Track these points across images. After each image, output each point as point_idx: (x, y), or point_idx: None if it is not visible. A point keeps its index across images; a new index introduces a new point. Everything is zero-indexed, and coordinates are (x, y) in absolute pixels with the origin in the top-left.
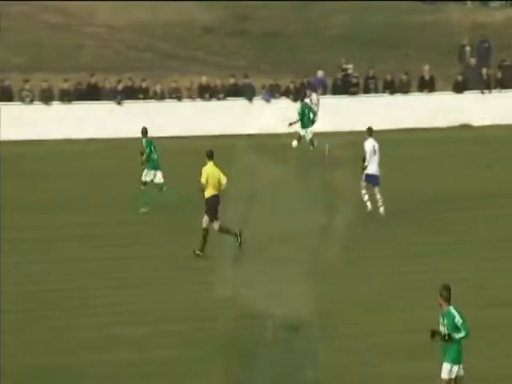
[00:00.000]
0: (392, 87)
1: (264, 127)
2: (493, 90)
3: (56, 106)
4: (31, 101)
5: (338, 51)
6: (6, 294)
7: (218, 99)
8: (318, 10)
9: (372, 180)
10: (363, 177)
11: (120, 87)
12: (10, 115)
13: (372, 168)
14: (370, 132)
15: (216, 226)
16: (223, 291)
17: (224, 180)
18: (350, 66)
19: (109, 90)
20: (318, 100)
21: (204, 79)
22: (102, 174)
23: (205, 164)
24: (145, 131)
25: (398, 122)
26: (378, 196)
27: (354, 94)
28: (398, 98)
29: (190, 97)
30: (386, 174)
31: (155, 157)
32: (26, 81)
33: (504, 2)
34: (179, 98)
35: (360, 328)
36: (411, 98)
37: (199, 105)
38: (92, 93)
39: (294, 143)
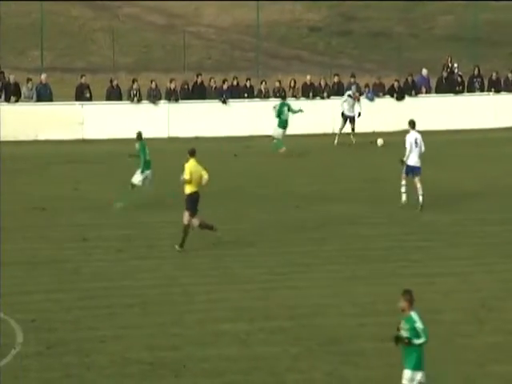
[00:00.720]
0: (497, 86)
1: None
2: None
3: (163, 104)
4: (139, 100)
5: (443, 50)
6: (115, 288)
7: (322, 98)
8: (423, 10)
9: (413, 171)
10: (404, 169)
11: (225, 86)
12: (119, 113)
13: (413, 159)
14: (412, 125)
15: (196, 222)
16: (328, 288)
17: (206, 175)
18: (456, 65)
19: (214, 89)
20: (355, 93)
21: (308, 78)
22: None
23: (187, 161)
24: (139, 136)
25: (503, 121)
26: (419, 185)
27: (459, 92)
28: (503, 97)
29: (294, 96)
30: (492, 172)
31: (148, 158)
32: (134, 80)
33: None
34: (283, 97)
35: None
36: None
37: (303, 104)
38: (198, 92)
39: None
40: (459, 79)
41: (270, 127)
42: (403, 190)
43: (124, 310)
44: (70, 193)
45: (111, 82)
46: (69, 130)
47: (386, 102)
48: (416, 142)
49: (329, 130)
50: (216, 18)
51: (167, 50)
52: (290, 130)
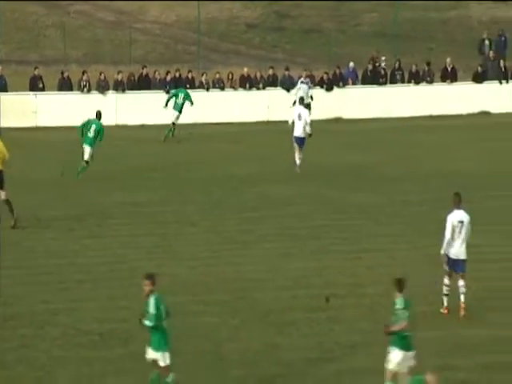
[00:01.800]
0: (416, 78)
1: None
2: (510, 80)
3: (111, 95)
4: (88, 91)
5: (368, 45)
6: (67, 265)
7: (258, 89)
8: (350, 8)
9: (298, 141)
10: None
11: (169, 78)
12: (69, 104)
13: (297, 131)
14: (301, 101)
15: (3, 195)
16: (264, 264)
17: (7, 155)
18: (383, 59)
19: (158, 81)
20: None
21: (245, 70)
22: (153, 156)
23: None
24: (99, 114)
25: (422, 109)
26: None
27: (382, 84)
28: (422, 88)
29: (232, 87)
30: (412, 157)
31: (90, 136)
32: (84, 72)
33: None
34: (222, 88)
35: None
36: (435, 87)
37: (240, 94)
38: (143, 83)
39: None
40: (382, 72)
41: (212, 115)
42: (297, 160)
43: (75, 285)
44: (23, 175)
45: (62, 73)
46: (23, 119)
47: (316, 93)
48: (299, 116)
49: (264, 118)
50: (160, 15)
51: (115, 44)
52: (229, 118)
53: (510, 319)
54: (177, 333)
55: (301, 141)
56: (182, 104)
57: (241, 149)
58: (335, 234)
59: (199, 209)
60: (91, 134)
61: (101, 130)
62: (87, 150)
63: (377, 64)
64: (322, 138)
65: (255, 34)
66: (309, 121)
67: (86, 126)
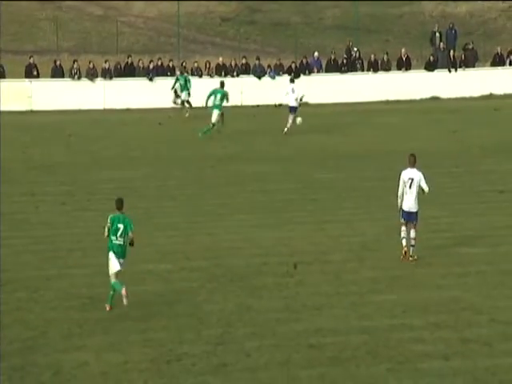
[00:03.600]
0: (375, 66)
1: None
2: (458, 69)
3: (99, 82)
4: (79, 78)
5: (331, 37)
6: (59, 235)
7: (232, 76)
8: (315, 3)
9: (292, 110)
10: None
11: (151, 66)
12: (62, 89)
13: (291, 102)
14: (292, 80)
15: None
16: (238, 234)
17: None
18: (356, 49)
19: (142, 69)
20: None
21: (220, 60)
22: (138, 137)
23: None
24: (222, 84)
25: (380, 95)
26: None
27: (344, 72)
28: (380, 76)
29: (209, 74)
30: (371, 138)
31: None
32: (75, 61)
33: None
34: (200, 76)
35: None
36: (391, 75)
37: (216, 81)
38: (128, 71)
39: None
40: (345, 61)
41: (192, 100)
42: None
43: (67, 253)
44: (19, 155)
45: (55, 62)
46: (19, 103)
47: (285, 80)
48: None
49: (238, 103)
50: (144, 9)
51: (103, 36)
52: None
53: (454, 281)
54: (159, 298)
55: (294, 109)
56: (221, 102)
57: (216, 130)
58: (302, 207)
59: (179, 184)
60: (218, 101)
61: (226, 95)
62: (215, 113)
63: (352, 53)
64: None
65: (229, 27)
66: (300, 94)
67: (213, 94)
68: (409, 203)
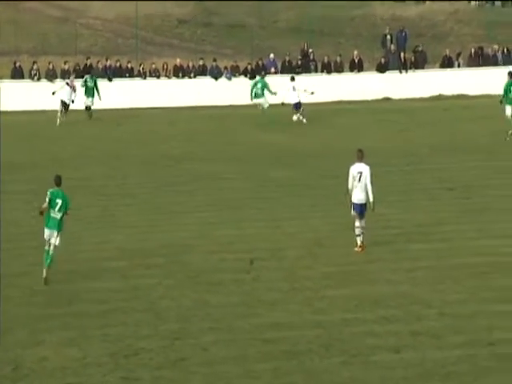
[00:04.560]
0: (328, 68)
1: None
2: (408, 71)
3: (58, 83)
4: (38, 79)
5: (285, 39)
6: (24, 233)
7: (189, 77)
8: (270, 6)
9: (295, 106)
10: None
11: (110, 68)
12: (21, 90)
13: (293, 99)
14: (292, 78)
15: None
16: (195, 232)
17: None
18: (311, 50)
19: (101, 70)
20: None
21: (178, 61)
22: (96, 137)
23: None
24: (263, 75)
25: (333, 95)
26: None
27: (299, 73)
28: (334, 77)
29: (167, 76)
30: (325, 137)
31: None
32: (34, 62)
33: None
34: (158, 77)
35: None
36: (344, 76)
37: (174, 82)
38: (87, 72)
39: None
40: (299, 62)
41: (148, 101)
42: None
43: (30, 251)
44: None
45: (15, 63)
46: None
47: (241, 81)
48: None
49: (195, 104)
50: (102, 11)
51: (62, 37)
52: (164, 104)
53: (404, 276)
54: (117, 294)
55: (297, 105)
56: (262, 91)
57: (174, 131)
58: (258, 205)
59: (137, 183)
60: (259, 90)
61: (266, 85)
62: (260, 101)
63: (309, 55)
64: (246, 121)
65: (186, 29)
66: (302, 89)
67: (255, 85)
68: (359, 196)
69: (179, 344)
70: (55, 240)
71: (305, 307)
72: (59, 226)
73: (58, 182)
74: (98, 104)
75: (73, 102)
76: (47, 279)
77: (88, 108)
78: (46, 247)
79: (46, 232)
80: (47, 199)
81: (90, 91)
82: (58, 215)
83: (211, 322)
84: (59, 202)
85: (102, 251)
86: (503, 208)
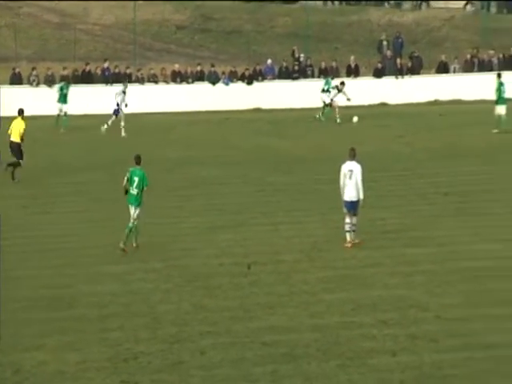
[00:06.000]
0: (325, 73)
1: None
2: (404, 76)
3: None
4: (37, 84)
5: (283, 45)
6: (21, 238)
7: (188, 83)
8: (267, 11)
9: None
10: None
11: (109, 73)
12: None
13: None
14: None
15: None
16: (194, 236)
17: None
18: (302, 55)
19: (100, 76)
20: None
21: (176, 66)
22: (96, 141)
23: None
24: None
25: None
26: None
27: (296, 78)
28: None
29: (165, 81)
30: (323, 142)
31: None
32: (33, 68)
33: (414, 5)
34: (156, 82)
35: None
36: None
37: (172, 87)
38: (86, 77)
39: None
40: (296, 68)
41: (147, 106)
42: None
43: (28, 255)
44: None
45: (14, 69)
46: None
47: (239, 86)
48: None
49: (193, 109)
50: (101, 17)
51: (61, 43)
52: (162, 109)
53: (402, 280)
54: (116, 298)
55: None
56: (328, 90)
57: (173, 136)
58: (256, 210)
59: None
60: (325, 86)
61: (329, 83)
62: (323, 96)
63: (301, 60)
64: (244, 126)
65: (184, 35)
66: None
67: (326, 83)
68: (350, 193)
69: (177, 347)
70: (134, 213)
71: (302, 311)
72: (137, 201)
73: (138, 161)
74: (96, 109)
75: (126, 105)
76: (124, 250)
77: (64, 114)
78: (130, 224)
79: (129, 207)
80: (126, 178)
81: (64, 98)
82: (135, 191)
83: (209, 325)
84: (136, 179)
85: (100, 256)
86: (498, 213)
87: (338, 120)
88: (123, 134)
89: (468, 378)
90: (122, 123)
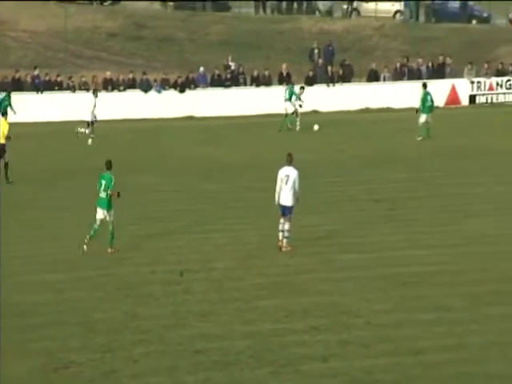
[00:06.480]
0: (257, 81)
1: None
2: (336, 84)
3: None
4: None
5: (215, 53)
6: None
7: (119, 91)
8: (200, 20)
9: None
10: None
11: (40, 81)
12: None
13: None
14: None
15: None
16: (126, 245)
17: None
18: (233, 64)
19: (30, 83)
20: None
21: (108, 74)
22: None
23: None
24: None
25: (262, 109)
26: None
27: (228, 86)
28: (262, 90)
29: (97, 89)
30: (255, 149)
31: None
32: None
33: (344, 13)
34: (87, 90)
35: None
36: (272, 89)
37: (103, 95)
38: (16, 85)
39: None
40: (229, 76)
41: (78, 114)
42: None
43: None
44: None
45: None
46: None
47: (171, 94)
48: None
49: (124, 117)
50: (31, 24)
51: None
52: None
53: (334, 287)
54: (47, 307)
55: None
56: (290, 98)
57: (105, 143)
58: (188, 217)
59: (70, 196)
60: (288, 95)
61: (293, 91)
62: (287, 105)
63: (232, 68)
64: (176, 134)
65: (116, 42)
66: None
67: (290, 91)
68: (285, 198)
69: (110, 356)
70: (106, 216)
71: (235, 318)
72: (105, 204)
73: (109, 166)
74: (26, 118)
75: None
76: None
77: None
78: (95, 225)
79: (97, 210)
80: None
81: (4, 109)
82: (103, 194)
83: (142, 333)
84: (103, 182)
85: (32, 264)
86: (427, 219)
87: (298, 127)
88: (90, 142)
89: (397, 383)
90: (89, 131)
